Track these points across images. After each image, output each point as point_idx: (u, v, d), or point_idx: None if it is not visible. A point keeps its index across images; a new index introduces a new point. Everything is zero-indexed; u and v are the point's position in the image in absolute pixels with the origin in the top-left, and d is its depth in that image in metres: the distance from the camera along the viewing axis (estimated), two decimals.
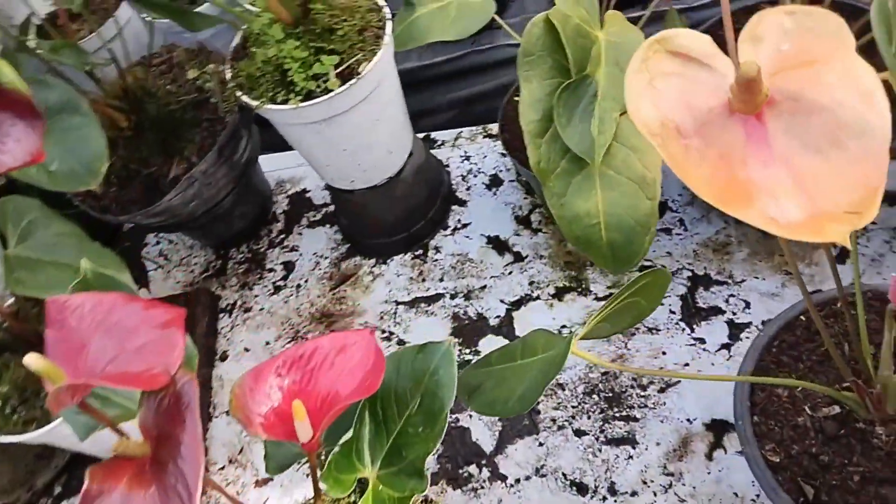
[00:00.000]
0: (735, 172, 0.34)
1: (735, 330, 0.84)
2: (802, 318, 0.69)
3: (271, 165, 1.15)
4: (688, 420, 0.79)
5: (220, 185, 0.94)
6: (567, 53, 0.59)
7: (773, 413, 0.64)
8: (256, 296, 1.03)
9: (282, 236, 1.08)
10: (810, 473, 0.60)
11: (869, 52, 0.43)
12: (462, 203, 1.04)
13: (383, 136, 0.85)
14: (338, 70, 0.75)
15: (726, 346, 0.83)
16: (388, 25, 0.78)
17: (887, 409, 0.59)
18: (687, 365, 0.83)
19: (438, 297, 0.95)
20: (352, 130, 0.80)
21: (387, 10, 0.79)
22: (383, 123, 0.84)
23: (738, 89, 0.33)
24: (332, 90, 0.73)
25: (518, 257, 0.96)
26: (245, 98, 0.78)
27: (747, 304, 0.86)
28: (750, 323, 0.84)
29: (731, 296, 0.87)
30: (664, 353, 0.84)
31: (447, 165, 1.08)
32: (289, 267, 1.04)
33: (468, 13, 0.82)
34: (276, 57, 0.74)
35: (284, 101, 0.75)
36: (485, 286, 0.95)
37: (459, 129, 1.13)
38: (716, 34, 0.97)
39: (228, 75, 0.81)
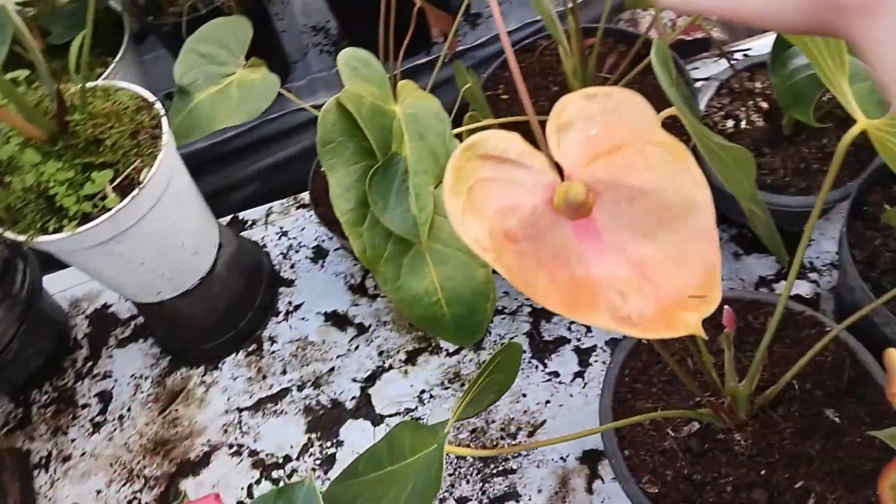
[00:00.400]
0: (574, 271, 0.32)
1: (583, 356, 0.85)
2: (644, 341, 0.71)
3: (61, 285, 1.01)
4: (562, 458, 0.78)
5: (2, 328, 0.81)
6: (368, 135, 0.55)
7: (641, 443, 0.65)
8: (74, 440, 0.89)
9: (89, 364, 0.95)
10: (688, 496, 0.61)
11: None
12: (289, 283, 0.97)
13: (184, 237, 0.77)
14: (115, 183, 0.66)
15: (579, 374, 0.84)
16: (164, 122, 0.70)
17: (740, 416, 0.62)
18: (548, 402, 0.83)
19: (285, 392, 0.88)
20: (146, 242, 0.72)
21: (158, 106, 0.71)
22: (181, 224, 0.76)
23: (567, 208, 0.31)
24: (111, 208, 0.64)
25: (361, 329, 0.92)
26: (9, 234, 0.66)
27: (588, 329, 0.87)
28: (595, 346, 0.86)
29: (573, 323, 0.89)
30: (525, 396, 0.84)
31: (264, 246, 1.01)
32: (105, 398, 0.92)
33: (252, 93, 0.77)
34: (38, 183, 0.64)
35: (58, 229, 0.65)
36: (332, 368, 0.89)
37: (270, 204, 1.06)
38: (501, 76, 0.99)
39: None
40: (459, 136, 0.74)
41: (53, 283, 1.01)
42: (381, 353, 0.89)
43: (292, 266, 0.99)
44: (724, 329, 0.59)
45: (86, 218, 0.65)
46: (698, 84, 0.91)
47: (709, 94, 0.87)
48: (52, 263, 0.95)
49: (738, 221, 0.91)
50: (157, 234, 0.72)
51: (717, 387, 0.63)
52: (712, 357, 0.64)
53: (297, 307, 0.95)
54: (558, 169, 0.33)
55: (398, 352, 0.89)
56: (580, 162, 0.33)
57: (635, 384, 0.69)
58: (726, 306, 0.52)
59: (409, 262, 0.59)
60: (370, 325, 0.92)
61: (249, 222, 1.04)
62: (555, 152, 0.33)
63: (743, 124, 0.84)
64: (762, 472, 0.60)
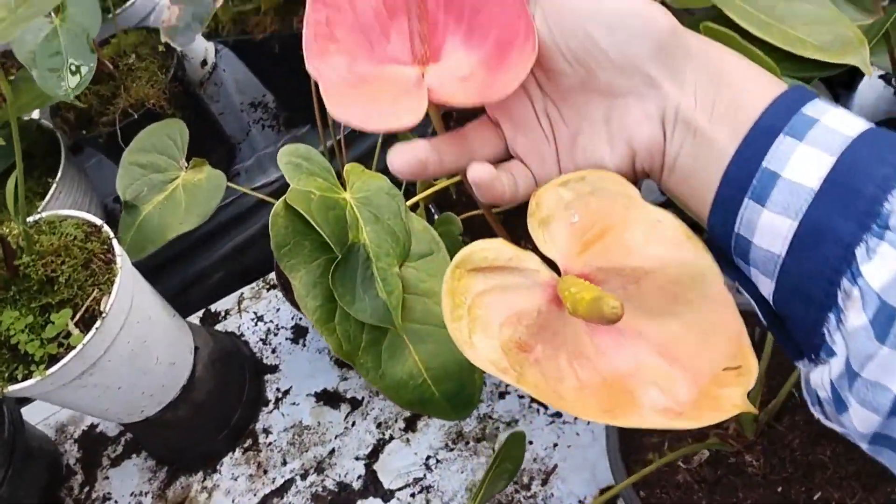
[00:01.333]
0: (598, 368, 0.31)
1: None
2: None
3: (43, 412, 0.98)
4: (580, 502, 0.77)
5: None
6: (322, 232, 0.54)
7: (655, 481, 0.64)
8: None
9: (86, 489, 0.92)
10: None
11: None
12: (273, 369, 0.95)
13: (157, 352, 0.75)
14: (76, 318, 0.64)
15: None
16: (115, 244, 0.68)
17: (747, 436, 0.61)
18: (556, 445, 0.81)
19: (289, 483, 0.86)
20: (119, 367, 0.70)
21: (106, 229, 0.70)
22: (152, 340, 0.74)
23: (601, 321, 0.29)
24: (76, 345, 0.62)
25: (355, 403, 0.90)
26: None
27: None
28: None
29: None
30: (531, 443, 0.82)
31: (241, 335, 0.99)
32: None
33: (200, 195, 0.75)
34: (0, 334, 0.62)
35: (27, 376, 0.63)
36: (333, 450, 0.87)
37: (240, 290, 1.04)
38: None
39: None
40: (415, 207, 0.73)
41: (35, 412, 0.98)
42: (379, 426, 0.88)
43: (273, 351, 0.97)
44: None
45: (53, 359, 0.63)
46: None
47: None
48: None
49: None
50: (129, 356, 0.70)
51: None
52: None
53: (286, 392, 0.93)
54: (551, 264, 0.32)
55: (396, 420, 0.87)
56: (572, 253, 0.32)
57: None
58: None
59: (388, 348, 0.58)
60: (363, 398, 0.90)
61: (223, 313, 1.02)
62: (543, 248, 0.32)
63: None
64: (779, 489, 0.59)
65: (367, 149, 1.03)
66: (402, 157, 0.33)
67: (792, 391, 0.63)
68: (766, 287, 0.30)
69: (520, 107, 0.36)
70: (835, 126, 0.28)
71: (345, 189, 0.59)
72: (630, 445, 0.66)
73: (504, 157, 0.37)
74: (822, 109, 0.29)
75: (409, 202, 0.66)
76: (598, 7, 0.32)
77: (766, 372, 0.65)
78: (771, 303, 0.31)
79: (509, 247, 0.32)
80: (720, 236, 0.31)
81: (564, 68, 0.33)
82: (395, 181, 0.60)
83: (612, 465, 0.65)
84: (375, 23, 0.34)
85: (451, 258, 0.62)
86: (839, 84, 1.02)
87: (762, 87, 0.31)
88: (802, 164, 0.28)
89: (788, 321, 0.30)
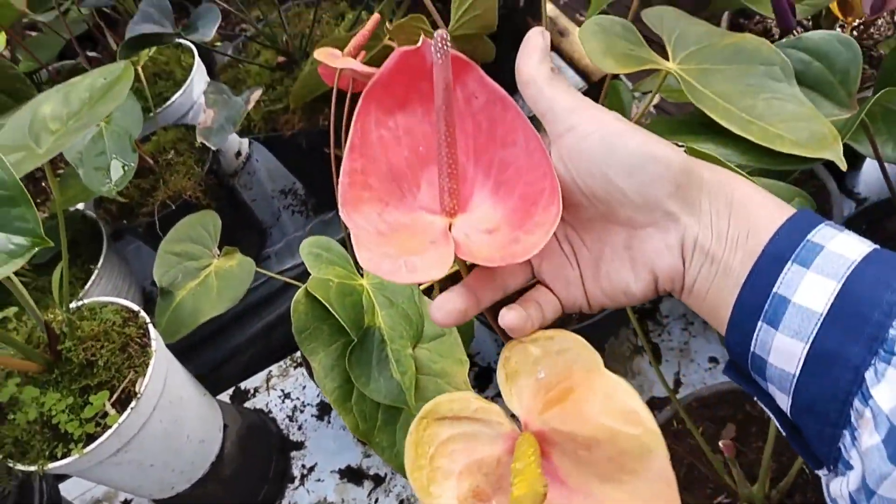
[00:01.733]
0: None
1: None
2: None
3: (78, 489, 1.02)
4: None
5: None
6: (338, 318, 0.58)
7: None
8: None
9: None
10: None
11: None
12: (300, 446, 0.98)
13: (189, 430, 0.79)
14: (113, 398, 0.68)
15: None
16: (151, 329, 0.73)
17: None
18: None
19: None
20: (152, 444, 0.73)
21: (143, 315, 0.75)
22: (184, 419, 0.77)
23: None
24: (112, 424, 0.66)
25: (377, 480, 0.92)
26: (19, 466, 0.68)
27: None
28: None
29: None
30: None
31: (269, 412, 1.02)
32: None
33: (231, 280, 0.80)
34: (41, 414, 0.66)
35: (66, 454, 0.67)
36: None
37: (269, 369, 1.08)
38: None
39: None
40: (430, 290, 0.77)
41: (72, 488, 1.01)
42: (401, 502, 0.89)
43: (300, 427, 1.00)
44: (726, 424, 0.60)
45: (90, 437, 0.67)
46: None
47: None
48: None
49: None
50: (162, 434, 0.74)
51: (732, 490, 0.63)
52: (719, 456, 0.65)
53: (311, 469, 0.95)
54: (514, 417, 0.34)
55: (418, 498, 0.89)
56: (534, 411, 0.33)
57: None
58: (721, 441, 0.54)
59: (403, 427, 0.61)
60: (386, 475, 0.92)
61: (252, 391, 1.06)
62: (509, 401, 0.34)
63: None
64: None
65: None
66: (443, 311, 0.34)
67: (802, 468, 0.64)
68: (783, 402, 0.32)
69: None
70: (840, 251, 0.30)
71: (361, 276, 0.63)
72: None
73: (532, 281, 0.38)
74: (828, 235, 0.31)
75: (424, 286, 0.70)
76: (613, 151, 0.33)
77: (775, 449, 0.66)
78: (788, 415, 0.32)
79: (476, 399, 0.34)
80: (737, 354, 0.33)
81: (584, 202, 0.35)
82: None
83: None
84: (408, 171, 0.36)
85: (462, 339, 0.65)
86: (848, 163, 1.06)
87: (770, 212, 0.33)
88: (811, 290, 0.30)
89: (806, 434, 0.32)
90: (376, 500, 0.90)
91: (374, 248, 0.32)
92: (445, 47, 0.33)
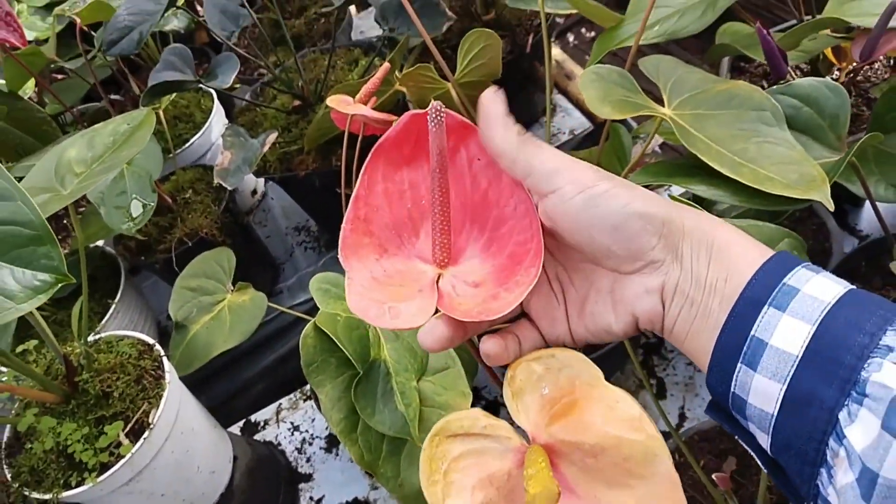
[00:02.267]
0: None
1: None
2: None
3: None
4: None
5: None
6: (345, 351, 0.60)
7: None
8: None
9: None
10: None
11: None
12: (308, 478, 0.99)
13: (199, 461, 0.80)
14: (127, 429, 0.70)
15: None
16: (165, 362, 0.75)
17: None
18: None
19: None
20: (164, 474, 0.75)
21: (158, 348, 0.77)
22: (195, 450, 0.79)
23: None
24: (125, 454, 0.68)
25: None
26: (35, 494, 0.70)
27: None
28: None
29: None
30: None
31: (279, 444, 1.04)
32: None
33: (243, 316, 0.83)
34: (57, 444, 0.69)
35: (80, 482, 0.69)
36: None
37: (279, 402, 1.10)
38: None
39: (9, 476, 0.73)
40: None
41: None
42: None
43: (308, 460, 1.01)
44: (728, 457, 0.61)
45: (104, 467, 0.69)
46: None
47: None
48: None
49: None
50: (174, 464, 0.76)
51: None
52: (720, 489, 0.65)
53: (319, 501, 0.96)
54: (522, 432, 0.36)
55: None
56: (541, 424, 0.35)
57: None
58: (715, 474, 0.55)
59: (407, 458, 0.63)
60: None
61: (262, 423, 1.08)
62: (516, 417, 0.36)
63: None
64: None
65: None
66: (432, 337, 0.36)
67: None
68: (764, 440, 0.33)
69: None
70: (815, 294, 0.31)
71: None
72: None
73: (518, 314, 0.40)
74: (803, 278, 0.32)
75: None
76: (596, 212, 0.35)
77: (771, 482, 0.67)
78: (769, 453, 0.33)
79: (484, 416, 0.36)
80: (719, 394, 0.34)
81: (572, 249, 0.37)
82: None
83: None
84: (408, 222, 0.39)
85: (466, 372, 0.67)
86: (847, 200, 1.07)
87: (749, 256, 0.34)
88: (787, 333, 0.31)
89: (787, 471, 0.33)
90: None
91: (364, 294, 0.35)
92: (440, 117, 0.36)
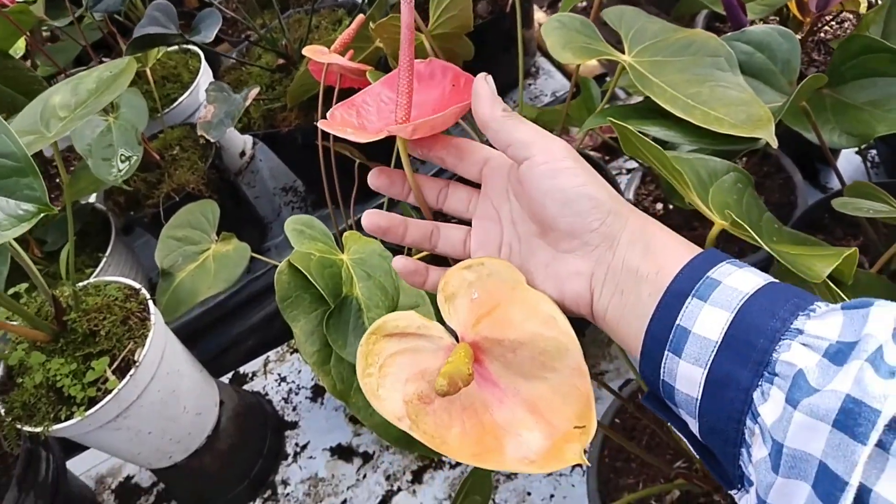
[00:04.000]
0: (481, 419, 0.37)
1: None
2: (617, 420, 0.76)
3: (84, 465, 1.08)
4: None
5: None
6: (317, 286, 0.63)
7: None
8: None
9: None
10: None
11: None
12: (294, 426, 1.03)
13: (185, 402, 0.84)
14: (113, 366, 0.74)
15: (578, 465, 0.88)
16: (150, 305, 0.79)
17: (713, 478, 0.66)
18: (552, 496, 0.86)
19: None
20: (150, 412, 0.79)
21: (143, 292, 0.80)
22: (180, 391, 0.83)
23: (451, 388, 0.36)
24: (112, 389, 0.72)
25: (366, 457, 0.97)
26: (27, 428, 0.74)
27: None
28: None
29: None
30: (529, 494, 0.87)
31: (266, 394, 1.08)
32: None
33: (227, 264, 0.86)
34: (46, 379, 0.72)
35: (69, 416, 0.73)
36: (345, 500, 0.93)
37: (266, 354, 1.13)
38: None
39: (2, 411, 0.76)
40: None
41: (79, 465, 1.07)
42: (388, 478, 0.94)
43: (294, 409, 1.05)
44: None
45: (92, 402, 0.73)
46: (628, 175, 1.01)
47: (635, 182, 0.96)
48: (75, 447, 1.02)
49: None
50: (160, 403, 0.79)
51: (689, 455, 0.67)
52: None
53: (304, 447, 1.00)
54: (453, 333, 0.39)
55: (404, 473, 0.94)
56: (469, 324, 0.39)
57: (616, 463, 0.73)
58: None
59: None
60: (374, 452, 0.97)
61: (250, 375, 1.12)
62: (448, 319, 0.39)
63: (670, 206, 0.92)
64: None
65: None
66: (369, 220, 0.43)
67: None
68: (693, 426, 0.35)
69: (492, 223, 0.44)
70: (735, 285, 0.33)
71: (342, 252, 0.68)
72: (608, 486, 0.71)
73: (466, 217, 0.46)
74: (726, 272, 0.34)
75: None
76: (555, 183, 0.38)
77: None
78: (700, 439, 0.35)
79: (420, 318, 0.39)
80: (650, 382, 0.36)
81: (530, 220, 0.41)
82: (394, 247, 0.70)
83: (591, 502, 0.70)
84: (387, 110, 0.46)
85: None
86: (819, 160, 1.10)
87: (680, 254, 0.36)
88: (708, 321, 0.33)
89: (717, 455, 0.34)
90: (364, 476, 0.95)
91: (341, 119, 0.44)
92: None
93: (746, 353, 0.31)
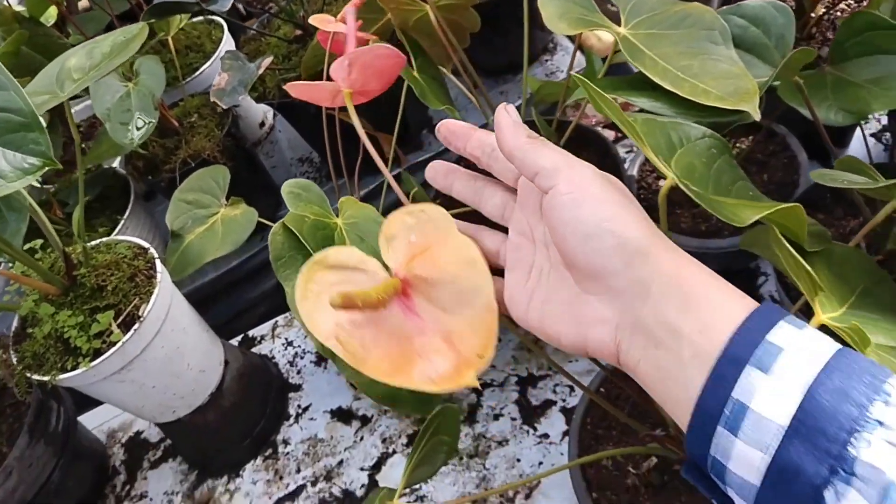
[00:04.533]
0: (402, 345, 0.41)
1: (569, 415, 0.91)
2: (602, 389, 0.77)
3: (97, 420, 1.12)
4: None
5: (42, 462, 0.91)
6: (309, 248, 0.65)
7: (607, 484, 0.70)
8: None
9: (127, 487, 1.04)
10: None
11: None
12: (297, 388, 1.06)
13: (189, 358, 0.87)
14: (119, 320, 0.77)
15: (567, 433, 0.89)
16: (157, 263, 0.82)
17: None
18: (541, 463, 0.88)
19: (300, 489, 0.95)
20: (154, 367, 0.82)
21: (152, 251, 0.83)
22: (185, 347, 0.86)
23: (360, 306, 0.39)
24: (117, 342, 0.75)
25: (364, 420, 0.99)
26: (36, 376, 0.78)
27: (571, 388, 0.93)
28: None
29: (557, 385, 0.95)
30: (519, 461, 0.89)
31: (272, 357, 1.11)
32: None
33: (234, 227, 0.89)
34: (55, 329, 0.75)
35: (75, 366, 0.76)
36: (342, 461, 0.96)
37: (275, 319, 1.17)
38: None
39: (15, 360, 0.80)
40: None
41: (92, 419, 1.11)
42: (384, 440, 0.96)
43: (299, 372, 1.08)
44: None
45: (97, 354, 0.76)
46: (631, 153, 1.01)
47: (640, 160, 0.96)
48: (88, 403, 1.06)
49: None
50: (164, 359, 0.83)
51: (665, 423, 0.68)
52: None
53: (306, 409, 1.03)
54: (388, 270, 0.43)
55: (400, 436, 0.96)
56: (402, 262, 0.42)
57: (597, 431, 0.74)
58: None
59: None
60: (372, 416, 0.99)
61: (258, 338, 1.15)
62: (386, 258, 0.43)
63: None
64: None
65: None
66: (433, 170, 0.48)
67: None
68: None
69: (526, 240, 0.43)
70: (800, 356, 0.30)
71: (337, 216, 0.70)
72: (588, 452, 0.73)
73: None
74: (787, 335, 0.30)
75: None
76: (577, 215, 0.35)
77: None
78: None
79: (359, 253, 0.43)
80: (697, 456, 0.32)
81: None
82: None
83: (572, 473, 0.72)
84: None
85: None
86: (834, 142, 1.08)
87: (727, 308, 0.32)
88: (770, 399, 0.29)
89: None
90: (361, 438, 0.97)
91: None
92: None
93: (818, 444, 0.28)
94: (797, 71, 0.63)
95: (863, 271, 0.56)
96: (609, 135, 1.14)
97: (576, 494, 0.70)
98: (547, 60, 1.35)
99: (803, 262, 0.42)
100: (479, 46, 1.33)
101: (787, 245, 0.43)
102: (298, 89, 0.51)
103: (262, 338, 1.15)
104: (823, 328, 0.47)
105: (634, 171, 0.94)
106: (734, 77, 0.60)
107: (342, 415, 1.01)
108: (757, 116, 0.56)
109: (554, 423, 0.91)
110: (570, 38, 1.35)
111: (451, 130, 0.47)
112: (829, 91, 0.69)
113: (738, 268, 0.92)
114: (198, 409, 0.92)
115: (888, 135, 1.06)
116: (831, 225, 0.80)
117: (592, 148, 0.99)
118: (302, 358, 1.09)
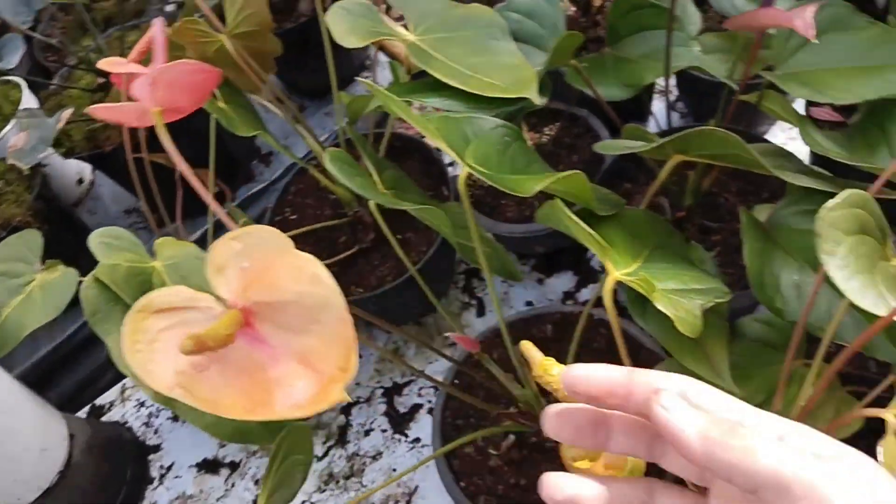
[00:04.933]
0: (255, 377, 0.39)
1: None
2: (456, 381, 0.79)
3: None
4: None
5: None
6: (123, 297, 0.62)
7: (472, 470, 0.72)
8: None
9: None
10: (520, 501, 0.68)
11: None
12: (156, 449, 1.01)
13: (26, 440, 0.81)
14: None
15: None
16: None
17: (537, 413, 0.70)
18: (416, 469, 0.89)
19: None
20: None
21: None
22: (20, 428, 0.80)
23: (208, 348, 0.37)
24: None
25: (233, 466, 0.96)
26: None
27: (435, 388, 0.95)
28: None
29: (421, 388, 0.96)
30: (395, 470, 0.89)
31: (125, 423, 1.04)
32: None
33: (54, 292, 0.83)
34: None
35: None
36: None
37: (122, 382, 1.10)
38: (287, 200, 1.07)
39: None
40: None
41: None
42: (257, 482, 0.93)
43: (156, 431, 1.02)
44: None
45: None
46: None
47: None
48: None
49: (533, 253, 1.03)
50: None
51: (512, 399, 0.71)
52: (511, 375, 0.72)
53: (169, 468, 0.98)
54: (223, 302, 0.40)
55: None
56: (238, 291, 0.39)
57: (456, 421, 0.76)
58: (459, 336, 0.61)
59: None
60: (241, 460, 0.96)
61: (107, 405, 1.08)
62: (218, 290, 0.39)
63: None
64: None
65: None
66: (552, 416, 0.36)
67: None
68: None
69: None
70: None
71: (154, 259, 0.68)
72: (450, 443, 0.74)
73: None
74: None
75: None
76: None
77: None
78: None
79: (188, 290, 0.40)
80: None
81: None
82: None
83: (439, 467, 0.73)
84: None
85: None
86: (634, 116, 1.18)
87: None
88: None
89: None
90: (233, 485, 0.94)
91: None
92: None
93: None
94: (571, 54, 0.68)
95: (654, 229, 0.62)
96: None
97: (445, 488, 0.71)
98: (368, 76, 1.37)
99: (584, 226, 0.46)
100: (295, 70, 1.33)
101: (568, 211, 0.46)
102: (102, 112, 0.48)
103: (112, 404, 1.08)
104: (619, 284, 0.51)
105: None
106: (514, 68, 0.64)
107: (209, 465, 0.97)
108: (538, 101, 0.60)
109: (423, 426, 0.92)
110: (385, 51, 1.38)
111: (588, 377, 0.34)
112: (610, 70, 0.75)
113: (566, 245, 0.98)
114: (47, 491, 0.85)
115: (681, 103, 1.17)
116: (637, 192, 0.87)
117: (416, 156, 1.02)
118: (157, 416, 1.04)
